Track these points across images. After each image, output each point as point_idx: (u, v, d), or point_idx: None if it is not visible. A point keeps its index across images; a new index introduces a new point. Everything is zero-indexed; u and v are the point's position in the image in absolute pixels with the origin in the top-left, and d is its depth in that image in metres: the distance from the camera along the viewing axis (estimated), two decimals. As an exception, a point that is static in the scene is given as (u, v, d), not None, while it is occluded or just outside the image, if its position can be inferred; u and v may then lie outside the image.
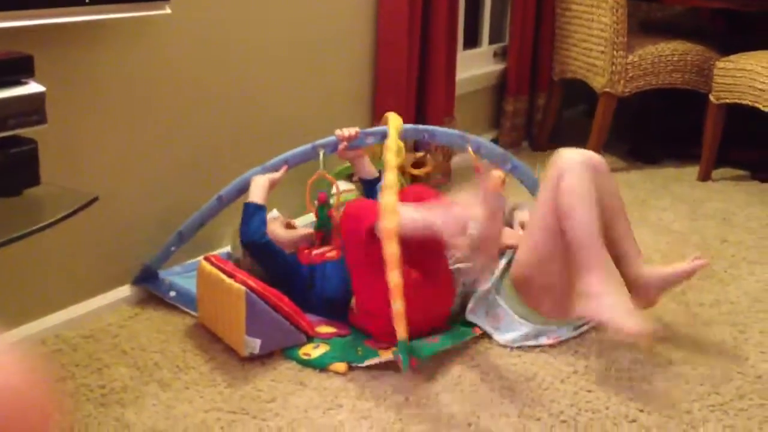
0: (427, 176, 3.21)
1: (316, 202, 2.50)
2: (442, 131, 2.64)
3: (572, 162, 2.15)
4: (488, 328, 2.25)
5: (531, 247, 2.21)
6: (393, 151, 2.24)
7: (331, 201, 2.57)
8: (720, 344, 2.24)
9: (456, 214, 1.99)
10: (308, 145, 2.48)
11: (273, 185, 2.42)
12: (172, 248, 2.45)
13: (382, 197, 2.05)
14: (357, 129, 2.50)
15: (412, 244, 2.02)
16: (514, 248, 2.27)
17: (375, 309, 2.15)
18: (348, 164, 2.68)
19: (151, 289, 2.43)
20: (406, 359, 1.98)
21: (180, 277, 2.49)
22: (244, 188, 2.42)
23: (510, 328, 2.23)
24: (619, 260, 2.24)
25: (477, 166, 2.60)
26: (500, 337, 2.23)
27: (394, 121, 2.45)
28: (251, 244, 2.33)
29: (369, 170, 2.59)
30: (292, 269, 2.35)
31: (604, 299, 2.02)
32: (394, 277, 1.95)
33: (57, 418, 0.82)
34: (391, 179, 2.10)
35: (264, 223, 2.34)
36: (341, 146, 2.49)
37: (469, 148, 2.59)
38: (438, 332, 2.21)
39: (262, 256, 2.34)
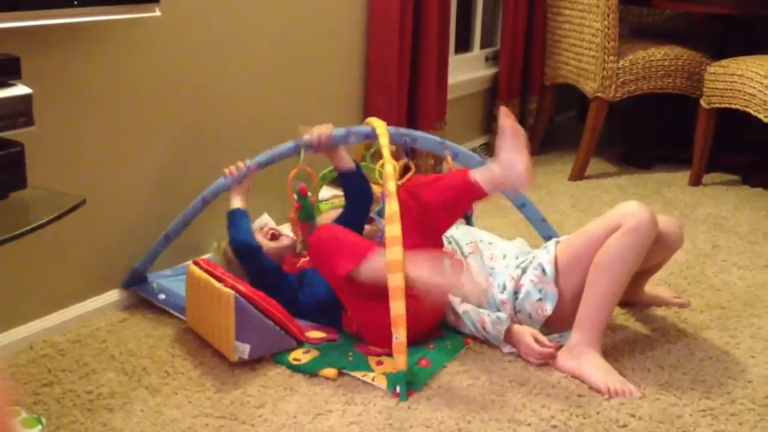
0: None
1: (295, 196, 2.48)
2: (423, 136, 2.60)
3: (644, 219, 2.12)
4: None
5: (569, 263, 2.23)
6: (393, 178, 2.19)
7: (310, 194, 2.57)
8: (711, 349, 2.24)
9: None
10: (291, 143, 2.45)
11: (246, 190, 2.43)
12: (159, 250, 2.44)
13: (386, 228, 2.06)
14: (330, 126, 2.44)
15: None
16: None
17: (367, 320, 2.18)
18: (332, 167, 2.65)
19: (140, 292, 2.42)
20: (404, 391, 1.98)
21: (169, 280, 2.47)
22: (224, 189, 2.41)
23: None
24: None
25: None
26: (507, 348, 2.22)
27: (384, 138, 2.38)
28: (242, 247, 2.32)
29: (346, 162, 2.53)
30: (281, 275, 2.35)
31: (585, 358, 2.09)
32: (397, 308, 1.98)
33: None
34: (393, 209, 2.09)
35: (250, 225, 2.37)
36: (315, 143, 2.43)
37: (447, 156, 2.57)
38: (430, 338, 2.21)
39: (252, 259, 2.33)
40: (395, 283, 1.99)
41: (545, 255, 2.25)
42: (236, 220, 2.35)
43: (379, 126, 2.42)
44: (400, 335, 1.99)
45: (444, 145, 2.58)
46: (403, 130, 2.56)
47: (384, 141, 2.35)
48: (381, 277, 2.03)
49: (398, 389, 1.98)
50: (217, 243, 2.47)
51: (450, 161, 2.57)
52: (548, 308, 2.20)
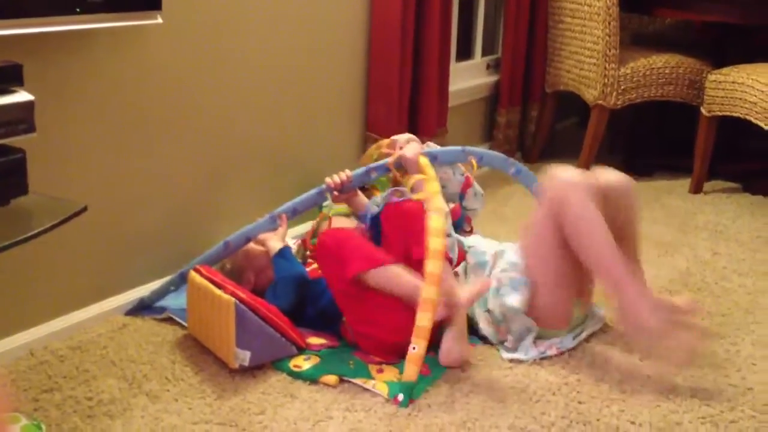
0: None
1: (310, 243, 2.52)
2: (488, 153, 2.64)
3: (571, 187, 2.14)
4: (495, 341, 2.28)
5: (528, 270, 2.24)
6: (442, 233, 2.14)
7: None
8: (711, 356, 2.23)
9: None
10: (314, 190, 2.48)
11: (283, 236, 2.45)
12: (172, 288, 2.44)
13: (431, 240, 2.08)
14: (348, 173, 2.47)
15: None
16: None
17: (367, 332, 2.18)
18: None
19: (144, 315, 2.41)
20: (407, 399, 1.99)
21: (169, 299, 2.47)
22: (251, 236, 2.43)
23: (517, 337, 2.23)
24: None
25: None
26: (507, 354, 2.22)
27: (434, 184, 2.33)
28: (297, 281, 2.32)
29: (365, 205, 2.55)
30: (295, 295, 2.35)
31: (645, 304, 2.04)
32: (424, 320, 2.01)
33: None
34: (437, 224, 2.12)
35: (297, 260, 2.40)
36: (333, 194, 2.48)
37: (472, 160, 2.56)
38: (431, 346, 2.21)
39: (297, 292, 2.33)
40: (429, 295, 2.01)
41: (511, 246, 2.31)
42: (287, 254, 2.36)
43: (427, 169, 2.38)
44: (419, 347, 2.00)
45: (508, 162, 2.61)
46: (468, 149, 2.56)
47: (434, 188, 2.30)
48: (387, 286, 2.06)
49: (400, 397, 1.98)
50: (222, 264, 2.49)
51: (475, 165, 2.57)
52: (523, 295, 2.21)
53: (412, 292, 2.07)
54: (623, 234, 2.21)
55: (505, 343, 2.24)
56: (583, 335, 2.29)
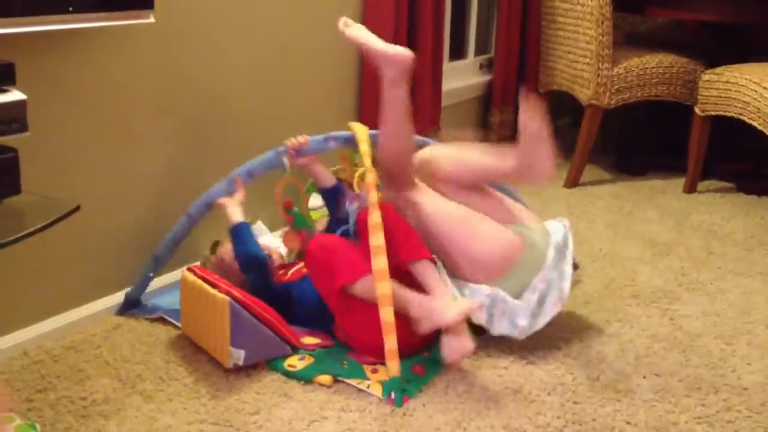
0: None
1: (281, 210, 2.49)
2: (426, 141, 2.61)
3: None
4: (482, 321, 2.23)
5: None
6: (375, 188, 2.21)
7: (295, 208, 2.59)
8: (706, 356, 2.24)
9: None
10: (271, 152, 2.46)
11: (241, 201, 2.42)
12: (150, 274, 2.43)
13: (371, 238, 2.09)
14: (306, 137, 2.46)
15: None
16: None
17: (357, 334, 2.19)
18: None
19: (136, 314, 2.40)
20: (399, 397, 1.99)
21: (162, 297, 2.46)
22: (210, 202, 2.41)
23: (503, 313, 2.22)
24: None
25: None
26: (496, 328, 2.21)
27: (364, 145, 2.37)
28: (252, 260, 2.31)
29: (325, 177, 2.55)
30: (276, 288, 2.35)
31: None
32: (386, 314, 2.02)
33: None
34: (375, 220, 2.12)
35: (251, 235, 2.36)
36: (291, 156, 2.45)
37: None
38: (426, 346, 2.21)
39: (260, 272, 2.32)
40: (383, 290, 2.03)
41: None
42: (242, 233, 2.34)
43: (359, 132, 2.41)
44: (390, 342, 2.01)
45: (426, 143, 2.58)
46: (419, 138, 2.54)
47: (364, 148, 2.35)
48: (372, 298, 2.06)
49: (393, 396, 1.98)
50: (206, 258, 2.48)
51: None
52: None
53: (397, 300, 2.07)
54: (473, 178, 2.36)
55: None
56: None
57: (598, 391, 2.06)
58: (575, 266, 2.49)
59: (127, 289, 2.42)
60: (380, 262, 2.06)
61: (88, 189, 2.26)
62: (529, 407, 1.98)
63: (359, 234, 2.21)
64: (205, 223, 2.47)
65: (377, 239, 2.09)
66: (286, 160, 2.44)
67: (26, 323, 2.20)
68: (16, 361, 2.12)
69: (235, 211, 2.38)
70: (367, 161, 2.30)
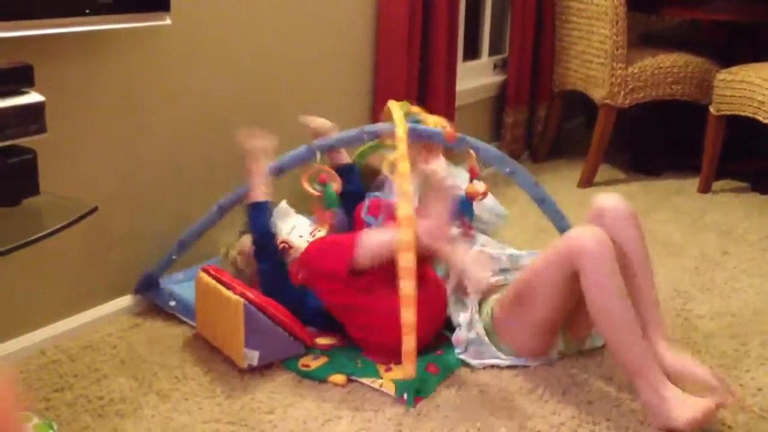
0: None
1: (317, 186, 2.42)
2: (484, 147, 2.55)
3: (591, 247, 1.93)
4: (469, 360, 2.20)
5: (516, 296, 2.13)
6: (405, 157, 2.07)
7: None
8: (721, 356, 2.23)
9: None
10: (302, 148, 2.46)
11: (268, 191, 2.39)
12: (173, 257, 2.44)
13: (400, 233, 1.98)
14: (325, 122, 2.54)
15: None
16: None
17: (367, 338, 2.19)
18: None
19: (151, 297, 2.43)
20: (411, 398, 1.99)
21: (181, 285, 2.48)
22: (243, 198, 2.41)
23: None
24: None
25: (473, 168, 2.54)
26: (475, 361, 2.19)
27: (400, 120, 2.25)
28: (265, 239, 2.29)
29: (342, 156, 2.62)
30: (293, 289, 2.32)
31: (671, 403, 1.86)
32: (408, 315, 1.91)
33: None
34: (406, 211, 2.01)
35: (270, 216, 2.33)
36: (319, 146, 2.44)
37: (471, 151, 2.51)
38: (439, 344, 2.22)
39: (269, 251, 2.30)
40: (407, 291, 1.91)
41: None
42: (260, 208, 2.30)
43: (396, 112, 2.29)
44: (408, 343, 1.95)
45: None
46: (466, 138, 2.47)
47: (400, 132, 2.20)
48: (379, 252, 2.05)
49: (405, 396, 1.99)
50: (226, 249, 2.47)
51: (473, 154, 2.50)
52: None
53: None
54: (633, 272, 2.06)
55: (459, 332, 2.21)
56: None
57: (612, 391, 2.06)
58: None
59: (148, 270, 2.43)
60: (406, 259, 1.94)
61: (106, 190, 2.28)
62: (543, 407, 1.98)
63: (355, 221, 2.28)
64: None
65: (406, 234, 1.96)
66: (318, 155, 2.43)
67: (43, 323, 2.22)
68: (33, 360, 2.14)
69: (259, 191, 2.32)
70: (402, 147, 2.15)
